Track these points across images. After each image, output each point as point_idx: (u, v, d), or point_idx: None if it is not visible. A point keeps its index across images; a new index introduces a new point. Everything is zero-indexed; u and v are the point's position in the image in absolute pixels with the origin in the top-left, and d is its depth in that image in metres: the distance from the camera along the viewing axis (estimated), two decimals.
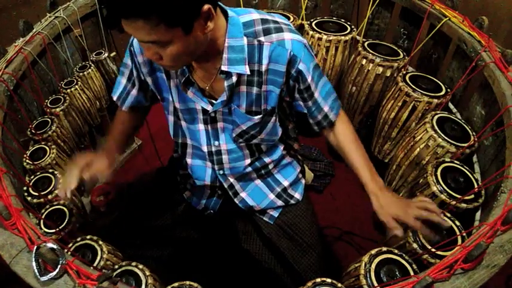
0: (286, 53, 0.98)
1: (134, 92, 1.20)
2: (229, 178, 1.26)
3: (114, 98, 1.25)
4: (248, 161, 1.22)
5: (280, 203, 1.31)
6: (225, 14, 0.97)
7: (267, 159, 1.26)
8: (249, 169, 1.24)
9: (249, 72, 0.99)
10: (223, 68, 0.97)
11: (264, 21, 0.99)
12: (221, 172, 1.24)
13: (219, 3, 0.95)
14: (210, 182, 1.28)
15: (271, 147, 1.24)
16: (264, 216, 1.34)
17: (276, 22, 1.00)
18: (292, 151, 1.35)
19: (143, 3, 0.75)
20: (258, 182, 1.30)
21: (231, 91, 1.03)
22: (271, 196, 1.30)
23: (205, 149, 1.19)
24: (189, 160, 1.27)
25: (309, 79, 1.04)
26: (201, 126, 1.15)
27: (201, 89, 1.07)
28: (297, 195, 1.35)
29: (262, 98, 1.06)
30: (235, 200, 1.30)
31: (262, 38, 0.97)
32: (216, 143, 1.17)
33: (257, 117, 1.09)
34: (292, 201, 1.34)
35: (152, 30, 0.80)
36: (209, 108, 1.07)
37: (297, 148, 1.36)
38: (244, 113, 1.08)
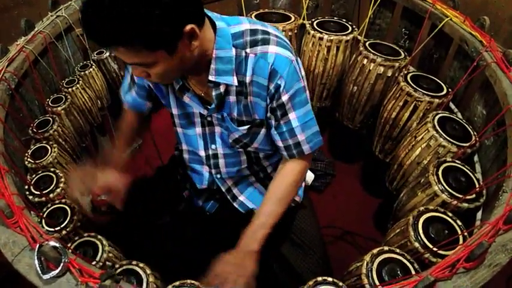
0: (268, 67, 0.95)
1: (133, 93, 1.21)
2: (226, 182, 1.26)
3: (121, 95, 1.26)
4: (245, 165, 1.22)
5: None
6: (214, 25, 0.95)
7: (265, 163, 1.25)
8: (247, 172, 1.24)
9: (236, 83, 0.98)
10: (211, 78, 0.97)
11: (253, 32, 0.97)
12: (218, 176, 1.24)
13: (208, 13, 0.94)
14: (207, 186, 1.29)
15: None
16: None
17: (265, 33, 0.97)
18: None
19: (121, 34, 0.77)
20: (257, 185, 1.30)
21: (220, 100, 1.02)
22: None
23: (202, 153, 1.19)
24: (187, 164, 1.28)
25: (285, 98, 0.99)
26: (198, 130, 1.15)
27: (197, 94, 1.07)
28: (297, 198, 1.34)
29: (250, 109, 1.05)
30: (234, 203, 1.30)
31: (248, 50, 0.96)
32: (213, 146, 1.17)
33: (243, 128, 1.08)
34: (292, 204, 1.33)
35: (135, 55, 0.82)
36: (205, 112, 1.08)
37: None
38: (232, 123, 1.08)
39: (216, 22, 0.95)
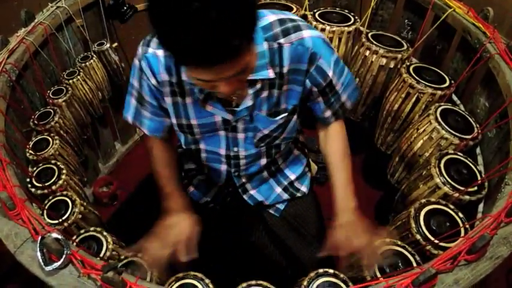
0: (307, 51, 0.96)
1: (147, 114, 1.10)
2: (242, 178, 1.26)
3: (129, 120, 1.13)
4: (264, 161, 1.21)
5: (286, 196, 1.31)
6: None
7: (278, 156, 1.25)
8: (262, 169, 1.24)
9: (273, 76, 0.97)
10: (249, 76, 0.92)
11: (281, 21, 0.96)
12: (236, 174, 1.23)
13: None
14: (223, 183, 1.27)
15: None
16: (270, 209, 1.34)
17: (292, 20, 0.97)
18: (299, 144, 1.34)
19: (238, 43, 0.69)
20: (268, 177, 1.30)
21: (255, 97, 1.00)
22: (278, 190, 1.30)
23: (223, 152, 1.16)
24: (204, 163, 1.25)
25: (330, 74, 1.03)
26: (221, 133, 1.11)
27: (220, 99, 1.01)
28: (304, 188, 1.34)
29: (284, 98, 1.04)
30: (244, 196, 1.29)
31: (281, 40, 0.95)
32: (235, 149, 1.14)
33: (279, 118, 1.07)
34: (298, 194, 1.34)
35: (237, 63, 0.74)
36: (230, 117, 1.03)
37: (302, 140, 1.35)
38: (266, 117, 1.06)
39: None
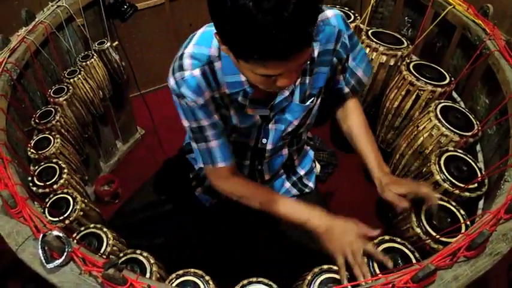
0: (334, 30, 0.99)
1: (219, 146, 1.05)
2: (265, 175, 1.26)
3: (224, 164, 1.08)
4: (285, 151, 1.23)
5: (294, 191, 1.32)
6: None
7: (294, 147, 1.26)
8: (280, 162, 1.25)
9: (309, 61, 0.99)
10: None
11: None
12: (259, 167, 1.23)
13: None
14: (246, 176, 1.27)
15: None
16: None
17: None
18: (308, 139, 1.35)
19: (311, 30, 0.69)
20: (282, 173, 1.31)
21: (300, 87, 1.03)
22: (287, 185, 1.32)
23: (252, 143, 1.15)
24: None
25: (349, 47, 1.06)
26: (254, 129, 1.11)
27: (257, 99, 1.01)
28: (311, 184, 1.36)
29: (313, 83, 1.06)
30: None
31: None
32: (264, 140, 1.14)
33: (309, 103, 1.09)
34: (306, 190, 1.34)
35: (309, 51, 0.75)
36: (268, 113, 1.05)
37: (309, 136, 1.37)
38: (298, 104, 1.07)
39: None
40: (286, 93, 1.01)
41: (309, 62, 0.99)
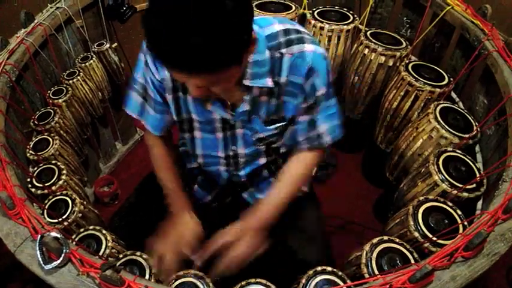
0: (306, 65, 0.96)
1: (151, 111, 1.11)
2: (242, 178, 1.26)
3: (134, 115, 1.14)
4: (264, 160, 1.22)
5: None
6: None
7: (278, 156, 1.25)
8: (263, 168, 1.24)
9: (272, 85, 0.97)
10: (246, 82, 0.95)
11: (286, 32, 0.96)
12: (235, 173, 1.24)
13: None
14: (225, 183, 1.28)
15: None
16: None
17: (297, 32, 0.97)
18: None
19: (212, 62, 0.72)
20: (268, 176, 1.30)
21: (253, 103, 1.01)
22: None
23: (221, 154, 1.17)
24: (202, 169, 1.27)
25: (319, 93, 1.01)
26: (219, 135, 1.12)
27: (220, 99, 1.02)
28: (304, 188, 1.35)
29: (282, 108, 1.05)
30: (244, 194, 1.30)
31: (283, 50, 0.95)
32: (234, 147, 1.15)
33: (274, 127, 1.08)
34: (299, 194, 1.34)
35: (209, 78, 0.78)
36: (229, 117, 1.05)
37: None
38: (262, 123, 1.07)
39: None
40: (246, 107, 1.01)
41: (272, 85, 0.97)
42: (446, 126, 1.42)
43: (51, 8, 1.66)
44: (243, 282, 1.00)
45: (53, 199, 1.27)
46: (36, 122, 1.51)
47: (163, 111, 1.10)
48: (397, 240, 1.12)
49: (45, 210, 1.22)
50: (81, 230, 1.17)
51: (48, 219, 1.20)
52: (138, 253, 1.08)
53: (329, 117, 1.08)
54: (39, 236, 0.90)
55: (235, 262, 1.03)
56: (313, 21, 1.86)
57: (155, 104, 1.08)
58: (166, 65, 0.77)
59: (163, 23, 0.70)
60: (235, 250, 1.03)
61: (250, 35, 0.79)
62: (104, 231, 1.16)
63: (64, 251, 0.88)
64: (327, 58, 1.00)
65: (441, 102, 1.52)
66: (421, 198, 1.22)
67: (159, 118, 1.12)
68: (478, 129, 1.41)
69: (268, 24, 0.96)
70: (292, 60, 0.96)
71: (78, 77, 1.73)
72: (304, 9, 2.02)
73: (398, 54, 1.73)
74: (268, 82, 0.96)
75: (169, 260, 1.03)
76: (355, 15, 1.92)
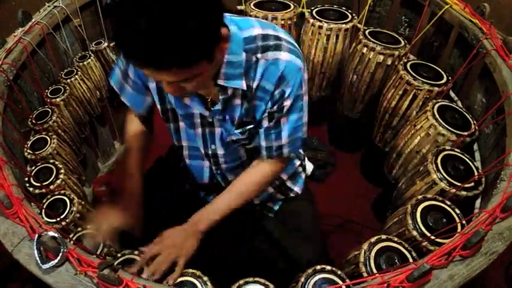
0: (278, 73, 0.95)
1: (129, 89, 1.13)
2: (227, 176, 1.26)
3: (115, 89, 1.17)
4: (245, 158, 1.22)
5: (279, 195, 1.31)
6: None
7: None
8: (246, 165, 1.24)
9: (245, 88, 0.97)
10: (220, 82, 0.95)
11: (264, 37, 0.96)
12: (218, 171, 1.24)
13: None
14: (208, 180, 1.29)
15: None
16: (264, 209, 1.34)
17: (277, 38, 0.96)
18: None
19: (179, 56, 0.73)
20: None
21: (226, 103, 1.02)
22: (270, 189, 1.30)
23: (202, 150, 1.19)
24: (187, 160, 1.27)
25: (287, 103, 1.00)
26: (198, 130, 1.13)
27: (199, 95, 1.04)
28: (297, 189, 1.34)
29: (252, 111, 1.05)
30: None
31: (259, 55, 0.95)
32: (213, 146, 1.16)
33: (241, 130, 1.08)
34: (291, 195, 1.34)
35: (177, 73, 0.78)
36: (206, 114, 1.06)
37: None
38: (232, 125, 1.07)
39: (228, 26, 0.92)
40: (219, 107, 1.02)
41: (244, 88, 0.97)
42: (444, 124, 1.42)
43: (48, 6, 1.65)
44: (241, 281, 1.00)
45: (51, 198, 1.26)
46: (34, 121, 1.50)
47: (143, 92, 1.13)
48: (396, 239, 1.12)
49: (43, 210, 1.21)
50: (79, 229, 1.17)
51: (46, 218, 1.20)
52: (137, 252, 1.08)
53: (293, 130, 1.07)
54: (37, 235, 0.90)
55: (163, 263, 1.01)
56: (311, 20, 1.86)
57: (134, 85, 1.11)
58: (132, 60, 0.76)
59: (129, 17, 0.69)
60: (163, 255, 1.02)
61: (219, 31, 0.79)
62: None
63: (62, 250, 0.88)
64: (303, 71, 0.98)
65: (439, 100, 1.52)
66: (420, 197, 1.22)
67: (136, 97, 1.14)
68: (476, 127, 1.41)
69: (248, 27, 0.96)
70: (266, 66, 0.96)
71: (76, 76, 1.73)
72: (303, 7, 2.01)
73: (396, 53, 1.73)
74: (242, 84, 0.97)
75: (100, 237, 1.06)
76: (354, 14, 1.92)
